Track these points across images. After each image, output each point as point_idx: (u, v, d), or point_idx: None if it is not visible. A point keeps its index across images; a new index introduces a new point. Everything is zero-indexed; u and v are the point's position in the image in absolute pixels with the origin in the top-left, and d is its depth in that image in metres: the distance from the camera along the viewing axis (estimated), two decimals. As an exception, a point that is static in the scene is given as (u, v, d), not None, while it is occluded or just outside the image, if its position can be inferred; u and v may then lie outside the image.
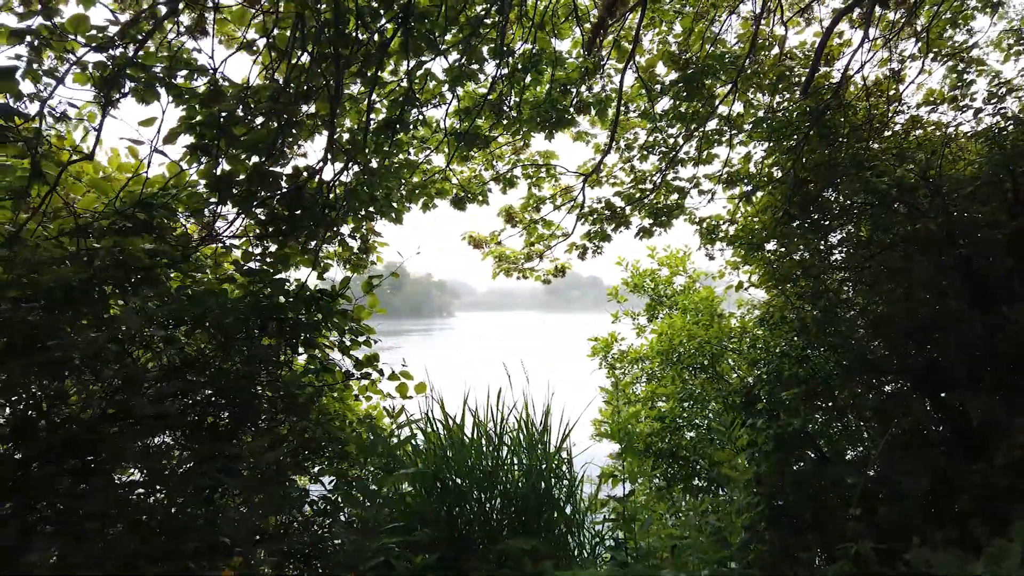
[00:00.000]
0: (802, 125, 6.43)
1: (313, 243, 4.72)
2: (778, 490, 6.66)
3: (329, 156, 4.23)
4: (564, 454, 5.47)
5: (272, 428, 4.09)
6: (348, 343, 4.53)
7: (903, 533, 5.81)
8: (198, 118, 3.88)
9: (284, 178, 4.32)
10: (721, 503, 6.73)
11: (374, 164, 5.12)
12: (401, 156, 5.64)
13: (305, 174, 4.32)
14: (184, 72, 3.76)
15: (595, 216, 7.32)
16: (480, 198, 6.73)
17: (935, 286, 6.60)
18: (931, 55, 6.55)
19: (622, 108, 6.76)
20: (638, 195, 7.26)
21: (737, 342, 7.86)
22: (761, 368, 7.26)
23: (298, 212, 4.43)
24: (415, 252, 4.92)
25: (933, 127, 6.78)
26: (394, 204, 5.38)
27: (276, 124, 4.01)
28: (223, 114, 3.80)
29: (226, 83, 3.81)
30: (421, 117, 5.20)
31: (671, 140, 6.97)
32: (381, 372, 4.64)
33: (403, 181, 5.60)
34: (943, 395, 6.88)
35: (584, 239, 7.54)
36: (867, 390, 7.11)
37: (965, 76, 6.65)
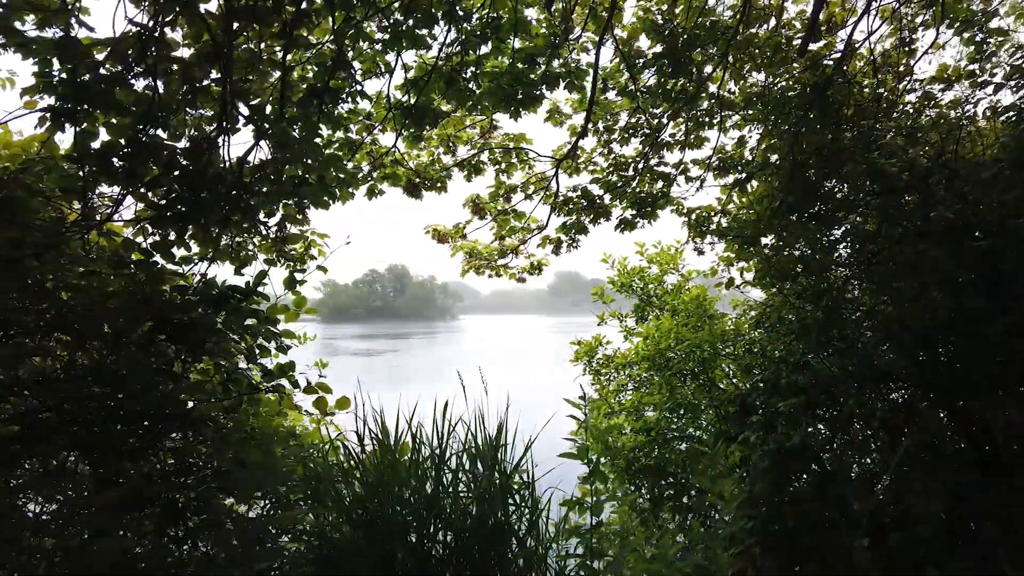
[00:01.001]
0: (801, 103, 5.72)
1: (224, 231, 4.03)
2: (776, 512, 5.95)
3: (225, 125, 3.53)
4: (527, 475, 4.79)
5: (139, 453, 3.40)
6: (259, 350, 3.82)
7: (917, 561, 5.18)
8: (61, 75, 3.20)
9: (181, 153, 3.63)
10: (710, 530, 6.03)
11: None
12: (340, 134, 4.95)
13: (207, 147, 3.62)
14: (35, 17, 3.07)
15: (570, 206, 6.59)
16: (438, 185, 6.01)
17: (951, 283, 5.88)
18: (946, 23, 5.83)
19: (600, 85, 6.07)
20: (619, 183, 6.54)
21: (732, 346, 7.13)
22: (756, 375, 6.53)
23: (202, 194, 3.73)
24: (345, 242, 4.24)
25: (949, 105, 6.06)
26: (334, 189, 4.69)
27: (158, 84, 3.32)
28: (87, 70, 3.11)
29: (84, 29, 3.12)
30: (359, 87, 4.50)
31: (655, 121, 6.24)
32: (296, 384, 3.93)
33: (343, 162, 4.88)
34: (960, 404, 6.22)
35: (559, 232, 6.82)
36: (875, 399, 6.41)
37: (984, 47, 5.93)
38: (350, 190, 5.21)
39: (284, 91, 3.87)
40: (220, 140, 3.58)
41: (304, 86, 4.24)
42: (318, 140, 4.51)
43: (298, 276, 4.19)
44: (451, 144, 5.95)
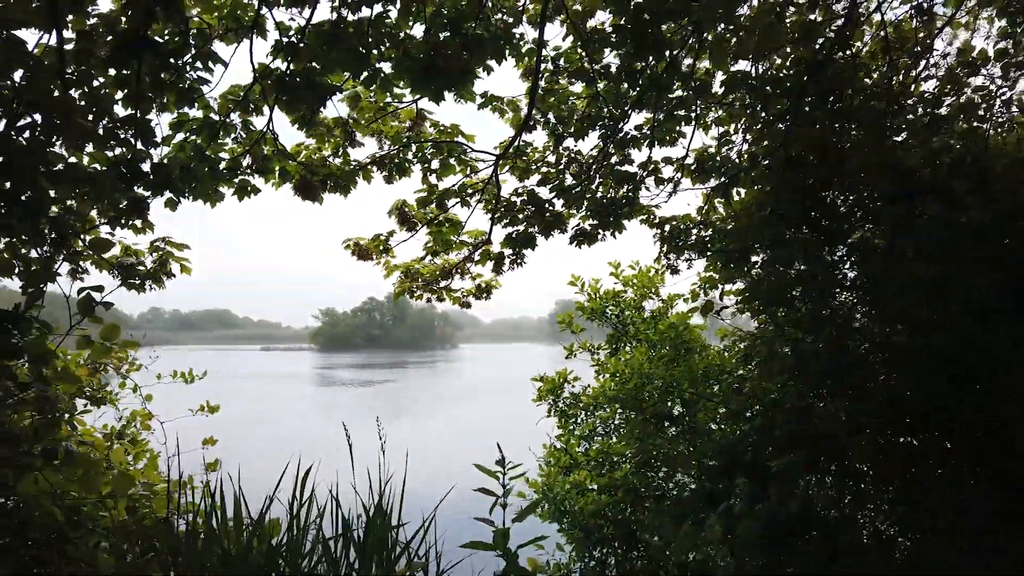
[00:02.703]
0: (794, 84, 4.63)
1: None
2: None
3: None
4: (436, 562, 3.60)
5: None
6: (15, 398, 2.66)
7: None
8: None
9: None
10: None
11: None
12: (198, 113, 3.84)
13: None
14: None
15: (513, 215, 5.44)
16: (342, 183, 4.87)
17: (981, 303, 4.75)
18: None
19: (551, 67, 4.99)
20: (576, 186, 5.40)
21: (718, 387, 5.91)
22: (745, 423, 5.32)
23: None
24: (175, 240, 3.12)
25: (976, 91, 4.98)
26: (181, 184, 3.57)
27: None
28: None
29: None
30: (208, 46, 3.41)
31: (617, 111, 5.11)
32: (51, 455, 2.74)
33: (204, 150, 3.77)
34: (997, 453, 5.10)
35: (503, 245, 5.66)
36: (889, 450, 5.25)
37: (1019, 21, 4.87)
38: (221, 189, 4.09)
39: (62, 42, 2.77)
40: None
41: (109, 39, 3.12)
42: (152, 117, 3.40)
43: (96, 296, 3.04)
44: (349, 130, 4.80)
